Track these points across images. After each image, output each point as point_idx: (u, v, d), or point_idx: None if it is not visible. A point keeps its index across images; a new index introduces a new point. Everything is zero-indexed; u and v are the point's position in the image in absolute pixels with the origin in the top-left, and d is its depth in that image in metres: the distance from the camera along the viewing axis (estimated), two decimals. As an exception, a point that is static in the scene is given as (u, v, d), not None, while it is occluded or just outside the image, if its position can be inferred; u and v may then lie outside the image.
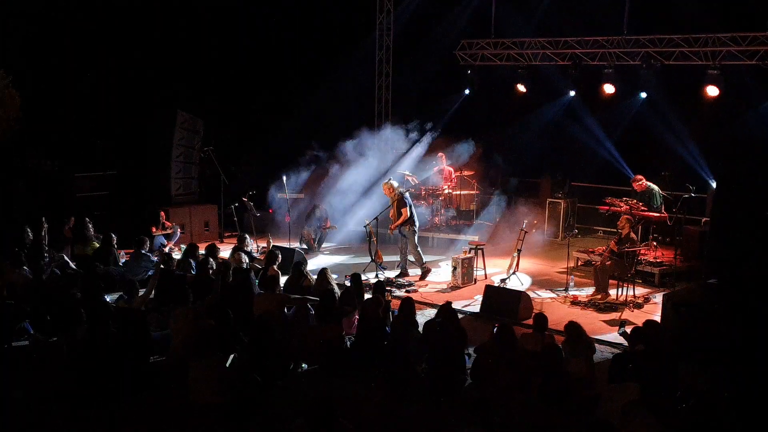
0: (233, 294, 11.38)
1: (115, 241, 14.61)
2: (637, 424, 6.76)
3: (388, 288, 13.47)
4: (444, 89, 20.93)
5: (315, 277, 12.39)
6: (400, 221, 14.75)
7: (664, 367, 8.07)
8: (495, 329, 9.53)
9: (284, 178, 17.80)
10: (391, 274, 15.07)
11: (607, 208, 15.66)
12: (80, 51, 18.20)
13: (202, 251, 13.93)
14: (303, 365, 10.00)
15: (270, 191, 18.81)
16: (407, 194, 15.07)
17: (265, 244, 15.46)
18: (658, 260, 14.46)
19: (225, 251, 15.11)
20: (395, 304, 11.44)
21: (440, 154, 18.87)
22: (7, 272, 12.31)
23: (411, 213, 14.80)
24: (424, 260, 14.94)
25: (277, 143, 19.46)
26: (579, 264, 15.51)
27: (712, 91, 16.47)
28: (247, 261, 13.72)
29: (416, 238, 14.98)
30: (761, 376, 7.94)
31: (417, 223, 15.04)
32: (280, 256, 13.13)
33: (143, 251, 14.27)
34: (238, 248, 14.18)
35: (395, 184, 15.13)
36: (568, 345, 9.25)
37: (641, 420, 6.74)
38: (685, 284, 12.80)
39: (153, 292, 11.84)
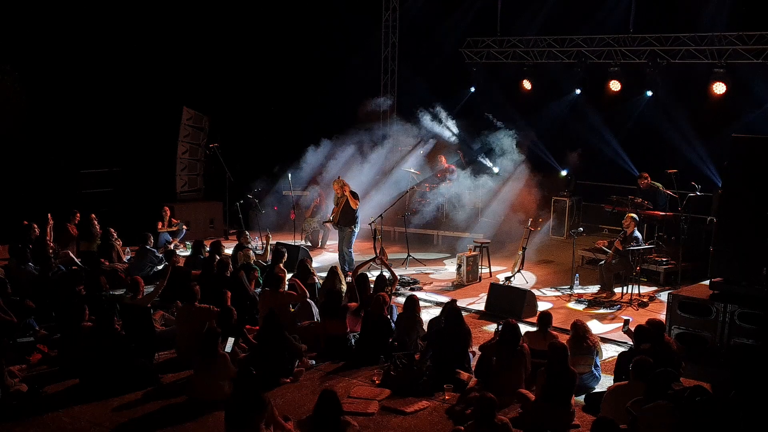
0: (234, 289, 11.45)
1: (115, 237, 14.60)
2: (651, 420, 6.76)
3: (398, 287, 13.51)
4: (449, 87, 20.91)
5: (319, 274, 12.38)
6: (335, 215, 14.82)
7: (670, 366, 8.03)
8: (499, 327, 9.51)
9: (289, 175, 17.79)
10: (397, 272, 15.06)
11: (612, 206, 15.62)
12: (86, 47, 18.20)
13: (207, 248, 13.94)
14: (312, 362, 10.03)
15: (275, 188, 18.81)
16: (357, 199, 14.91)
17: (264, 241, 15.41)
18: (663, 259, 14.44)
19: (229, 248, 15.10)
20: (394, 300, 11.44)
21: (440, 156, 18.87)
22: (12, 268, 12.34)
23: (356, 215, 14.76)
24: (354, 264, 14.47)
25: (283, 140, 19.46)
26: (584, 262, 15.49)
27: (718, 89, 16.44)
28: (255, 257, 13.75)
29: (353, 240, 14.89)
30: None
31: (358, 227, 14.92)
32: (286, 254, 13.12)
33: (148, 247, 14.29)
34: (241, 245, 14.16)
35: (348, 185, 14.99)
36: (573, 343, 9.23)
37: (655, 417, 6.75)
38: (690, 283, 12.76)
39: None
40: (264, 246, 14.68)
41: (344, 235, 14.87)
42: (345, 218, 14.79)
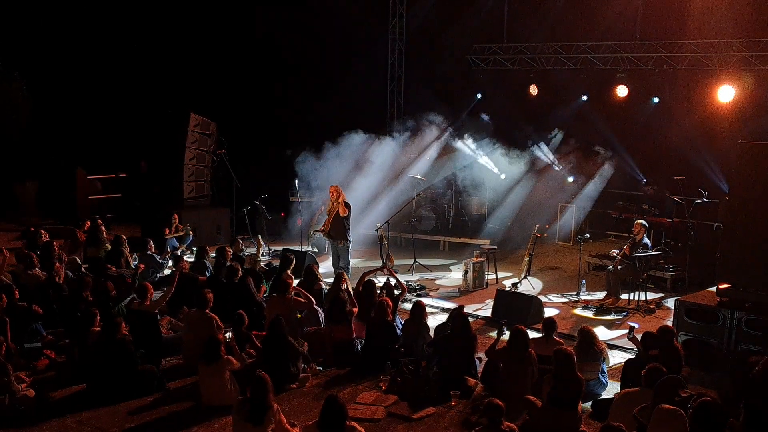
0: (241, 295, 11.49)
1: (126, 243, 14.63)
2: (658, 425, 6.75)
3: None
4: (456, 93, 20.91)
5: (326, 280, 12.38)
6: (327, 223, 14.57)
7: (675, 372, 8.02)
8: (503, 328, 9.51)
9: (296, 181, 17.80)
10: (403, 278, 15.03)
11: (618, 213, 15.60)
12: (93, 55, 18.29)
13: (212, 254, 13.95)
14: (319, 368, 10.04)
15: (282, 194, 18.81)
16: (349, 214, 14.57)
17: (257, 247, 15.36)
18: (670, 265, 14.39)
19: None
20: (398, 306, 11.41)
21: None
22: (20, 274, 12.37)
23: (348, 228, 14.42)
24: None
25: (290, 146, 19.48)
26: (591, 268, 15.46)
27: (724, 96, 16.41)
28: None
29: (348, 256, 14.59)
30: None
31: (351, 242, 14.61)
32: (294, 260, 13.11)
33: (148, 252, 14.31)
34: (235, 254, 14.11)
35: (343, 193, 14.83)
36: (580, 349, 9.22)
37: (662, 422, 6.73)
38: (697, 289, 12.73)
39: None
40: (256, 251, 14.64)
41: (338, 250, 14.53)
42: (336, 230, 14.45)
